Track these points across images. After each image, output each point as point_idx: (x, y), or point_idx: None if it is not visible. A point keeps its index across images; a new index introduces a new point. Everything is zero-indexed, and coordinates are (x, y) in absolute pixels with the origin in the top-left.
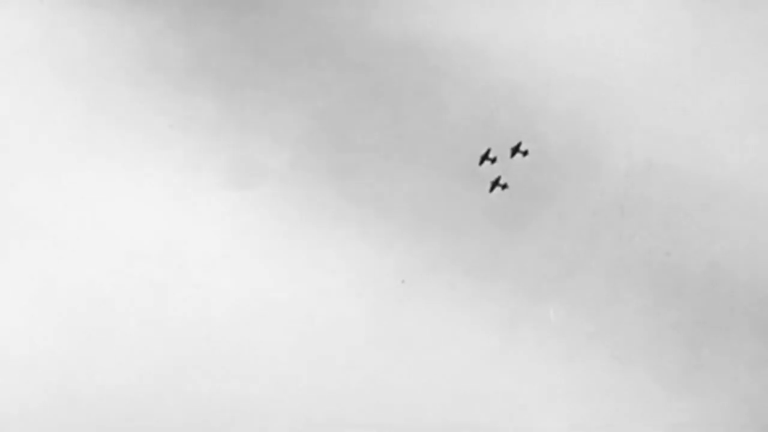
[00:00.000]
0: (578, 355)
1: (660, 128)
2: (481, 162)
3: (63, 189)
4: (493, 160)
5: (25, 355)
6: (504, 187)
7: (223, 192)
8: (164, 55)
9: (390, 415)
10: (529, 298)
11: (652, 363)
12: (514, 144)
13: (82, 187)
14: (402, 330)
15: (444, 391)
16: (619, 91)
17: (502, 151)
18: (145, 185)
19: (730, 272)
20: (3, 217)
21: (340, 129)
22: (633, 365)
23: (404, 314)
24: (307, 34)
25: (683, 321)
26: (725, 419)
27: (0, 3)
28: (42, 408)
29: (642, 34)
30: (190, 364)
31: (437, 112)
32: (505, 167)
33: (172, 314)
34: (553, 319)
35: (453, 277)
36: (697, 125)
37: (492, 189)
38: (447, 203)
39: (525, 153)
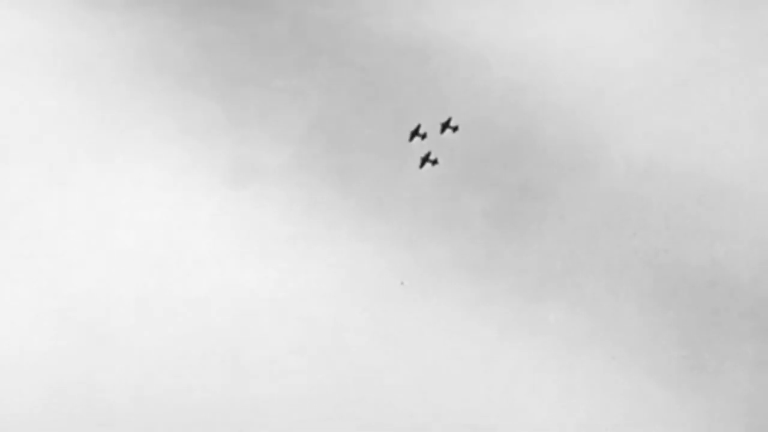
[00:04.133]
0: (578, 355)
1: (659, 128)
2: (411, 138)
3: (64, 188)
4: (423, 136)
5: (26, 356)
6: (434, 162)
7: (223, 191)
8: (165, 56)
9: (390, 415)
10: (529, 298)
11: (652, 363)
12: (445, 120)
13: (83, 187)
14: (402, 330)
15: (443, 390)
16: (619, 91)
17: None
18: (146, 184)
19: (730, 272)
20: (3, 217)
21: (340, 129)
22: (633, 365)
23: (404, 314)
24: (308, 34)
25: (683, 320)
26: (725, 419)
27: (4, 4)
28: (41, 408)
29: (642, 35)
30: (190, 363)
31: (437, 112)
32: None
33: (172, 313)
34: (553, 319)
35: (453, 277)
36: (697, 125)
37: (422, 165)
38: (447, 203)
39: (455, 129)
